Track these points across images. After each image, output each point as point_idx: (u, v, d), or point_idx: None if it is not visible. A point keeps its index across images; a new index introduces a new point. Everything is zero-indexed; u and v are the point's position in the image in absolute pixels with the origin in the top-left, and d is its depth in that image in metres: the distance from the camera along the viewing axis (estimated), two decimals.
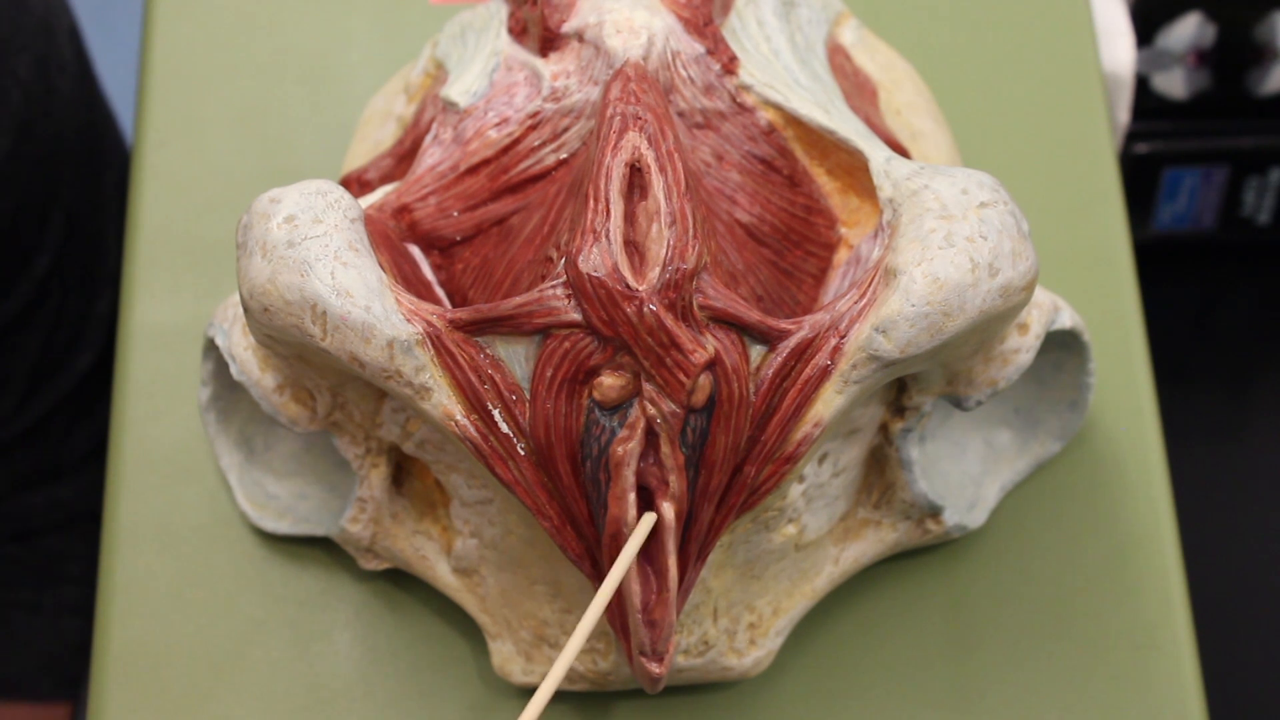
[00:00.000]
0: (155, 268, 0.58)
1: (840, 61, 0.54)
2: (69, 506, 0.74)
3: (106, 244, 0.73)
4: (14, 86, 0.66)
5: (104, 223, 0.73)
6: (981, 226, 0.43)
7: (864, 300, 0.43)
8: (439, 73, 0.53)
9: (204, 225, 0.58)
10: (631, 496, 0.41)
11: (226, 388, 0.52)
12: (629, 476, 0.41)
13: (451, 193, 0.48)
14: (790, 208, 0.49)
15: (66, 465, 0.74)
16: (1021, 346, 0.47)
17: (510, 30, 0.51)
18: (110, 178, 0.74)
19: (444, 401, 0.43)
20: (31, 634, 0.74)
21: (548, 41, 0.49)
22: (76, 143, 0.71)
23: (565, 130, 0.48)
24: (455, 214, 0.48)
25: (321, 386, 0.47)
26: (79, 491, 0.74)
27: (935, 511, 0.50)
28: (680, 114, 0.48)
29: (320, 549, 0.53)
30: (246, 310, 0.44)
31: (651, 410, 0.41)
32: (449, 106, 0.50)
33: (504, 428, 0.43)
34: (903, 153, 0.51)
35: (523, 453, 0.43)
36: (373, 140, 0.55)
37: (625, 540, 0.41)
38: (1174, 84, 0.96)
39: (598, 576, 0.44)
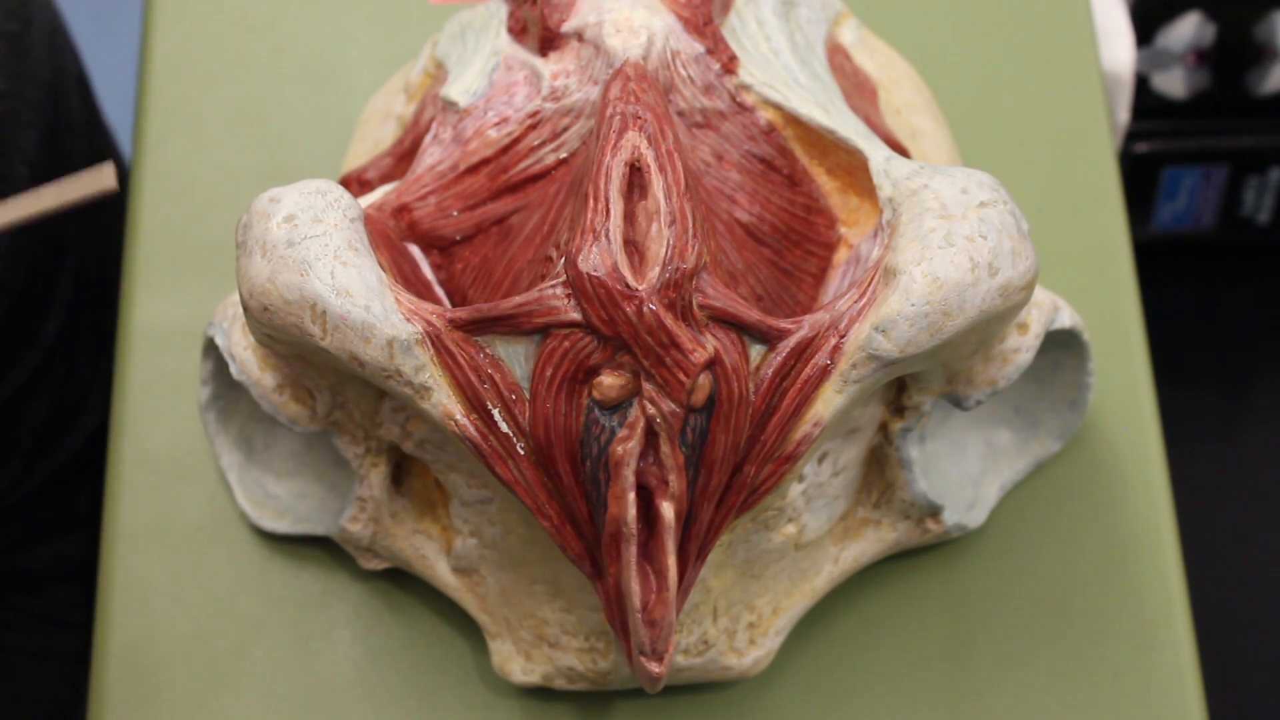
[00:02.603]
0: (155, 268, 0.58)
1: (840, 61, 0.54)
2: (75, 561, 0.73)
3: (114, 298, 0.72)
4: (21, 163, 0.66)
5: (112, 276, 0.72)
6: (981, 226, 0.43)
7: (864, 300, 0.43)
8: (439, 72, 0.53)
9: (204, 225, 0.58)
10: (631, 496, 0.41)
11: (226, 387, 0.52)
12: (629, 476, 0.41)
13: (451, 192, 0.48)
14: (790, 207, 0.49)
15: (73, 523, 0.73)
16: (1021, 346, 0.47)
17: (510, 30, 0.51)
18: (118, 227, 0.73)
19: (444, 401, 0.43)
20: (36, 681, 0.73)
21: (547, 41, 0.49)
22: (83, 210, 0.70)
23: (565, 130, 0.48)
24: (455, 213, 0.48)
25: (321, 386, 0.47)
26: (85, 546, 0.73)
27: (935, 511, 0.50)
28: (680, 113, 0.48)
29: (320, 549, 0.53)
30: (246, 309, 0.44)
31: (651, 410, 0.41)
32: (449, 106, 0.50)
33: (504, 427, 0.43)
34: (902, 152, 0.51)
35: (522, 452, 0.43)
36: (372, 140, 0.55)
37: (625, 540, 0.41)
38: (1174, 83, 0.96)
39: (598, 576, 0.44)
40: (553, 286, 0.42)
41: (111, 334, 0.71)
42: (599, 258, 0.41)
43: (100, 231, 0.73)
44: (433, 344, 0.43)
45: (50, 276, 0.69)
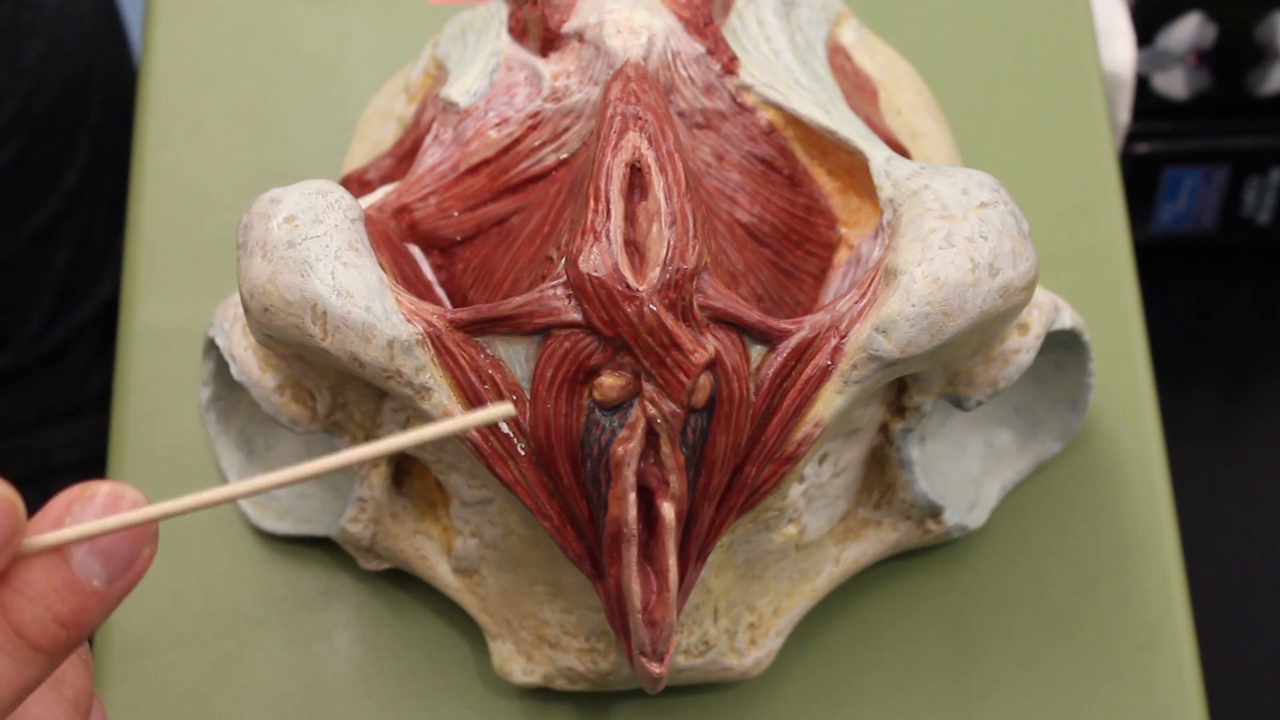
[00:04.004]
0: (155, 268, 0.58)
1: (840, 61, 0.54)
2: (87, 446, 0.75)
3: (125, 173, 0.76)
4: None
5: (124, 151, 0.76)
6: (982, 226, 0.43)
7: (864, 300, 0.43)
8: (439, 73, 0.53)
9: (204, 225, 0.58)
10: (632, 496, 0.41)
11: (227, 388, 0.52)
12: (629, 476, 0.41)
13: (452, 193, 0.48)
14: (790, 208, 0.49)
15: (86, 402, 0.75)
16: (1022, 346, 0.47)
17: (510, 30, 0.51)
18: (130, 105, 0.77)
19: (444, 401, 0.43)
20: None
21: (548, 41, 0.49)
22: (102, 77, 0.73)
23: (565, 130, 0.48)
24: (455, 214, 0.48)
25: (322, 386, 0.47)
26: (97, 432, 0.75)
27: (935, 511, 0.50)
28: (680, 114, 0.48)
29: (320, 549, 0.53)
30: (246, 310, 0.44)
31: (652, 410, 0.41)
32: (449, 106, 0.50)
33: (504, 428, 0.43)
34: (903, 153, 0.51)
35: (523, 453, 0.43)
36: (373, 140, 0.55)
37: (626, 540, 0.41)
38: (1174, 84, 0.96)
39: (598, 576, 0.44)
40: (553, 287, 0.42)
41: (123, 207, 0.74)
42: (599, 258, 0.41)
43: (120, 114, 0.76)
44: (433, 344, 0.43)
45: (71, 129, 0.72)
